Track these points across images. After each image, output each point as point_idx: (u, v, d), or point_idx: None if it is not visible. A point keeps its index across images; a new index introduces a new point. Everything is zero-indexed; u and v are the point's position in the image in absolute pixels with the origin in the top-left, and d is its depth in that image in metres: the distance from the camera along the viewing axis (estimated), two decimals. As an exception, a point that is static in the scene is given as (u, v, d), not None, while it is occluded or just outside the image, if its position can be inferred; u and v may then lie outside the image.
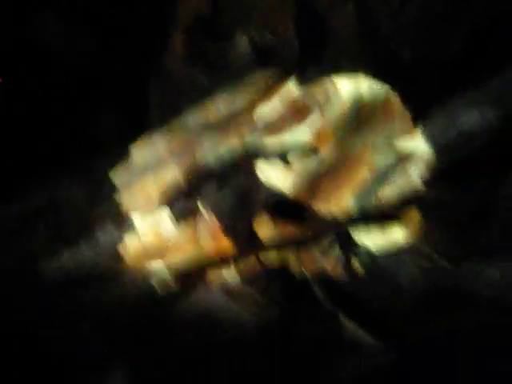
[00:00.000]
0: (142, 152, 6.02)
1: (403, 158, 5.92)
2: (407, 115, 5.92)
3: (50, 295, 6.21)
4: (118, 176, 6.18)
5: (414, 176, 6.08)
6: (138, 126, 6.13)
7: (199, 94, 5.91)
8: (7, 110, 5.80)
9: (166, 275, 6.30)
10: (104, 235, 6.13)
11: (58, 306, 6.29)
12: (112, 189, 6.09)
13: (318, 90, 5.85)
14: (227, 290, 6.30)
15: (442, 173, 6.17)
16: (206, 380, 6.34)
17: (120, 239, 6.22)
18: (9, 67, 6.18)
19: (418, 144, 5.87)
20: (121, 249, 6.35)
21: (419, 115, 6.03)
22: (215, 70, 6.03)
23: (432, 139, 5.94)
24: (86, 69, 6.23)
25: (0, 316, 5.91)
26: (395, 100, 5.91)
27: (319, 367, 6.38)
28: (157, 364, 6.17)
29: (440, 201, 5.83)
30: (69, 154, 6.09)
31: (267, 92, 5.94)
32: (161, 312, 6.27)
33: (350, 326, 5.99)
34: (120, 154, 6.23)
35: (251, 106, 6.05)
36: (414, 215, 6.09)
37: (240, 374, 6.25)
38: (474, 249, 5.91)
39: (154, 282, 6.20)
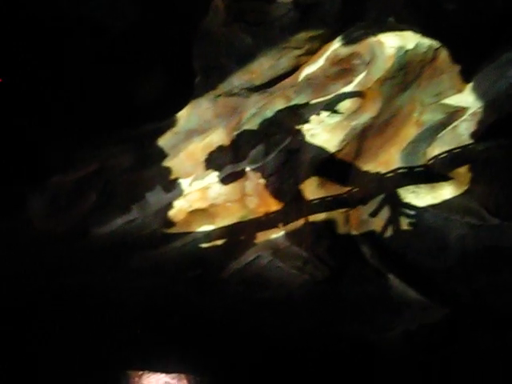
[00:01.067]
0: (188, 117, 6.56)
1: (452, 114, 6.31)
2: (455, 70, 6.28)
3: (100, 259, 6.90)
4: (165, 141, 6.75)
5: (463, 132, 6.47)
6: (185, 91, 6.65)
7: (243, 55, 6.35)
8: (58, 79, 6.40)
9: (215, 238, 6.92)
10: (153, 199, 6.75)
11: (108, 270, 6.96)
12: (160, 154, 6.68)
13: (363, 49, 6.24)
14: (275, 251, 6.89)
15: (491, 128, 6.54)
16: (254, 337, 6.99)
17: (169, 203, 6.84)
18: (56, 37, 6.76)
19: (466, 99, 6.24)
20: (170, 212, 6.99)
21: (468, 70, 6.37)
22: (258, 28, 6.46)
23: (481, 93, 6.29)
24: (131, 36, 6.77)
25: (52, 276, 6.61)
26: (443, 55, 6.25)
27: (368, 326, 6.96)
28: (207, 323, 6.79)
29: (489, 157, 6.23)
30: (117, 121, 6.69)
31: (312, 52, 6.37)
32: (209, 274, 6.91)
33: (398, 284, 6.53)
34: (167, 119, 6.78)
35: (296, 67, 6.49)
36: (463, 172, 6.50)
37: (287, 332, 6.88)
38: (524, 205, 6.23)
39: (202, 244, 6.83)
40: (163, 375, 8.33)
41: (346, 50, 6.80)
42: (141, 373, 8.24)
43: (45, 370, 7.52)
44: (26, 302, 7.54)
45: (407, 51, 6.62)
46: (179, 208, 7.51)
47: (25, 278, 7.42)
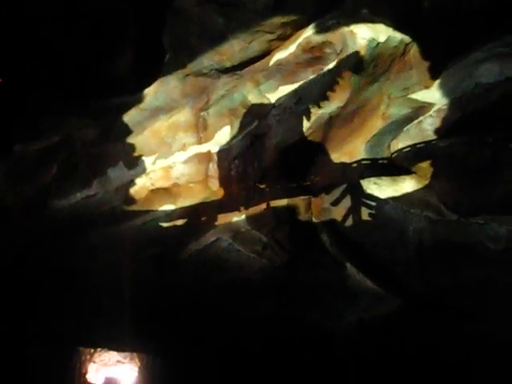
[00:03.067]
0: (156, 94, 6.69)
1: (418, 109, 6.59)
2: (424, 66, 6.55)
3: (59, 232, 6.98)
4: (131, 117, 6.88)
5: (428, 127, 6.75)
6: (153, 68, 6.77)
7: (214, 36, 6.49)
8: (25, 47, 6.42)
9: (176, 218, 7.07)
10: (115, 175, 6.87)
11: (66, 244, 7.04)
12: (125, 129, 6.80)
13: (336, 38, 6.46)
14: (235, 234, 7.10)
15: (455, 125, 6.82)
16: (210, 318, 7.14)
17: (131, 180, 6.96)
18: (29, 7, 6.72)
19: (433, 95, 6.53)
20: (132, 190, 7.11)
21: (436, 67, 6.62)
22: (230, 9, 6.60)
23: (448, 91, 6.57)
24: (103, 9, 6.84)
25: (10, 247, 6.67)
26: (413, 51, 6.51)
27: (324, 313, 7.21)
28: (163, 303, 6.92)
29: (452, 153, 6.53)
30: (83, 94, 6.78)
31: (284, 38, 6.55)
32: (168, 253, 7.06)
33: (355, 273, 6.79)
34: (134, 95, 6.88)
35: (267, 51, 6.66)
36: (425, 167, 6.79)
37: (243, 315, 7.06)
38: (482, 203, 6.61)
39: (162, 224, 6.98)
40: (115, 354, 8.49)
41: (319, 38, 6.98)
42: (92, 350, 8.37)
43: None
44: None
45: (379, 44, 6.84)
46: (141, 186, 7.64)
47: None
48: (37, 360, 7.78)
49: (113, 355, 8.32)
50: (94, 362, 8.29)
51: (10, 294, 7.62)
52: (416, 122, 7.45)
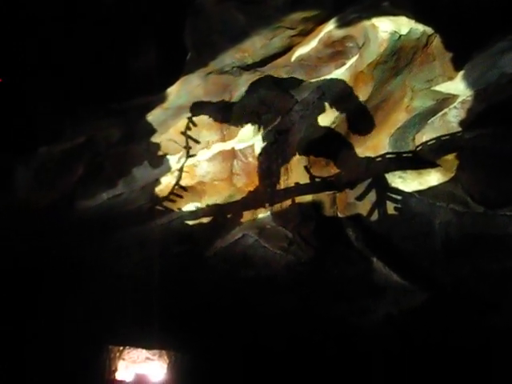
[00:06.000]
0: (179, 93, 6.95)
1: (442, 101, 6.76)
2: (447, 57, 6.70)
3: (85, 233, 7.27)
4: (155, 116, 7.15)
5: (452, 119, 6.89)
6: (176, 67, 7.01)
7: (236, 33, 6.72)
8: (48, 50, 6.69)
9: (201, 215, 7.33)
10: (140, 174, 7.16)
11: (92, 244, 7.33)
12: (149, 129, 7.08)
13: (357, 32, 6.66)
14: (261, 230, 7.33)
15: (480, 116, 6.93)
16: (237, 315, 7.35)
17: (156, 179, 7.24)
18: (48, 8, 6.99)
19: (457, 87, 6.67)
20: (157, 188, 7.37)
21: (459, 58, 6.75)
22: (251, 6, 6.80)
23: (472, 82, 6.70)
24: (124, 10, 7.08)
25: (37, 248, 6.96)
26: (436, 42, 6.67)
27: (350, 308, 7.40)
28: (190, 300, 7.16)
29: (477, 145, 6.67)
30: (107, 95, 7.06)
31: (306, 33, 6.75)
32: (195, 251, 7.31)
33: (381, 267, 6.97)
34: (157, 95, 7.13)
35: (289, 47, 6.87)
36: (450, 159, 6.94)
37: (270, 311, 7.27)
38: (509, 194, 6.73)
39: (188, 222, 7.24)
40: (144, 351, 8.77)
41: (340, 33, 7.13)
42: (122, 348, 8.66)
43: (28, 342, 7.80)
44: (10, 273, 7.85)
45: (401, 36, 6.96)
46: (166, 184, 7.88)
47: (8, 249, 7.76)
48: (67, 357, 7.96)
49: (142, 352, 8.57)
50: (124, 359, 8.54)
51: (38, 293, 7.88)
52: (440, 114, 7.54)
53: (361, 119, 7.68)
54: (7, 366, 7.80)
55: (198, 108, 7.72)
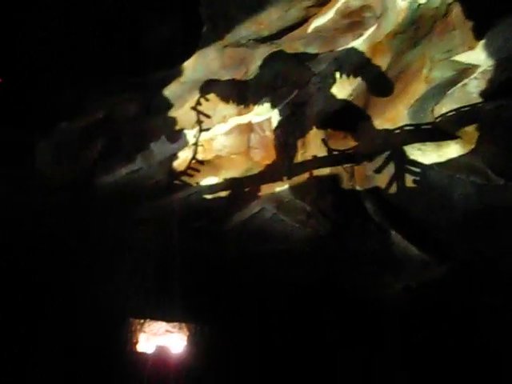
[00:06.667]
0: (195, 67, 6.95)
1: (462, 72, 6.66)
2: (468, 27, 6.58)
3: (105, 208, 7.35)
4: (171, 91, 7.15)
5: (473, 90, 6.79)
6: (192, 40, 6.99)
7: (251, 5, 6.67)
8: (65, 26, 6.72)
9: (219, 190, 7.36)
10: (158, 149, 7.21)
11: (112, 219, 7.41)
12: (166, 103, 7.10)
13: (375, 2, 6.57)
14: (279, 204, 7.36)
15: (501, 87, 6.81)
16: (255, 289, 7.40)
17: (174, 154, 7.28)
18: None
19: (478, 57, 6.57)
20: (175, 163, 7.41)
21: (480, 27, 6.63)
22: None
23: (493, 51, 6.59)
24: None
25: (58, 223, 7.07)
26: (456, 11, 6.56)
27: (369, 282, 7.41)
28: (209, 273, 7.25)
29: (498, 116, 6.58)
30: (123, 69, 7.09)
31: (322, 4, 6.67)
32: (213, 225, 7.37)
33: (400, 240, 6.96)
34: (173, 69, 7.13)
35: (305, 18, 6.80)
36: (470, 131, 6.86)
37: (289, 285, 7.33)
38: (529, 165, 6.57)
39: (206, 196, 7.28)
40: (164, 324, 8.94)
41: (357, 3, 7.06)
42: (142, 321, 8.84)
43: (48, 316, 8.02)
44: (31, 247, 8.04)
45: (420, 5, 6.87)
46: (184, 159, 7.94)
47: (30, 225, 7.92)
48: (89, 331, 8.15)
49: (162, 325, 8.74)
50: (144, 331, 8.71)
51: (59, 268, 8.04)
52: (460, 85, 7.45)
53: (379, 90, 7.60)
54: (29, 339, 7.92)
55: (213, 84, 7.69)
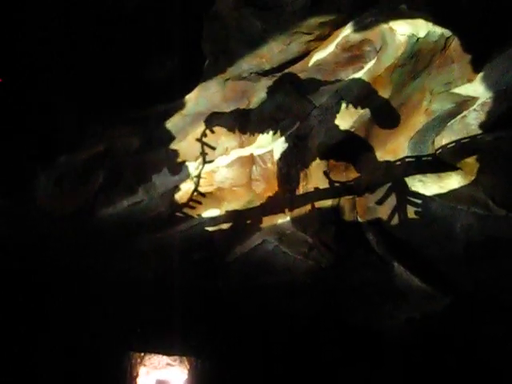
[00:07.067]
0: (197, 100, 7.00)
1: (461, 104, 6.74)
2: (466, 60, 6.68)
3: (106, 240, 7.33)
4: (174, 123, 7.19)
5: (472, 122, 6.86)
6: (194, 74, 7.08)
7: (253, 39, 6.75)
8: (69, 58, 6.80)
9: (221, 222, 7.35)
10: (160, 181, 7.22)
11: (113, 251, 7.39)
12: (168, 136, 7.14)
13: (374, 36, 6.66)
14: (281, 236, 7.34)
15: (500, 118, 6.88)
16: (256, 322, 7.38)
17: (176, 186, 7.29)
18: (68, 15, 7.12)
19: (476, 89, 6.65)
20: (176, 195, 7.41)
21: (478, 59, 6.73)
22: (268, 12, 6.84)
23: (491, 83, 6.67)
24: (142, 17, 7.17)
25: (58, 255, 7.04)
26: (454, 44, 6.65)
27: (372, 313, 7.38)
28: (210, 306, 7.22)
29: (498, 147, 6.63)
30: (126, 102, 7.14)
31: (323, 38, 6.77)
32: (215, 257, 7.34)
33: (402, 272, 6.95)
34: (176, 102, 7.19)
35: (306, 52, 6.89)
36: (471, 162, 6.89)
37: (291, 317, 7.28)
38: (530, 196, 6.60)
39: (208, 228, 7.27)
40: (165, 357, 8.85)
41: (357, 37, 7.14)
42: (143, 354, 8.74)
43: (49, 349, 7.86)
44: (30, 279, 7.95)
45: (419, 39, 6.96)
46: (186, 191, 7.94)
47: (30, 257, 7.85)
48: (89, 364, 8.04)
49: (162, 358, 8.65)
50: (145, 365, 8.62)
51: (60, 300, 7.96)
52: (460, 116, 7.51)
53: (380, 122, 7.65)
54: (27, 372, 7.78)
55: (215, 116, 7.74)
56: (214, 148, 7.90)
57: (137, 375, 8.83)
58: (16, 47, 7.90)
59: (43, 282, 8.00)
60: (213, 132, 7.81)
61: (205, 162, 7.73)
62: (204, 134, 7.79)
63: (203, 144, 7.84)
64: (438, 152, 7.73)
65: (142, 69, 8.07)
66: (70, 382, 8.06)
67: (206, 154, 7.87)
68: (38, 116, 8.04)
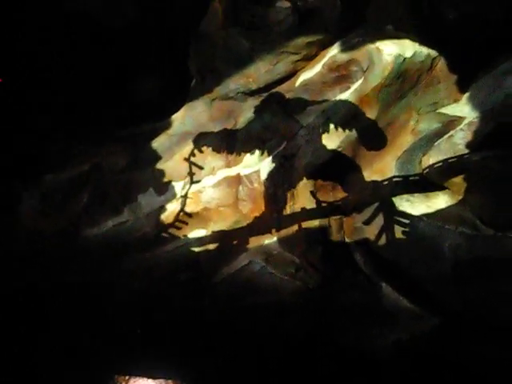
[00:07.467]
0: (183, 119, 6.93)
1: (448, 124, 6.72)
2: (452, 80, 6.67)
3: (91, 260, 7.21)
4: (160, 143, 7.11)
5: (459, 141, 6.84)
6: (181, 93, 7.02)
7: (240, 59, 6.73)
8: (54, 77, 6.74)
9: (207, 242, 7.24)
10: (146, 201, 7.11)
11: (98, 272, 7.27)
12: (154, 156, 7.04)
13: (361, 56, 6.65)
14: (267, 256, 7.23)
15: (487, 138, 6.87)
16: (243, 343, 7.28)
17: (162, 206, 7.18)
18: (55, 35, 7.09)
19: (463, 109, 6.64)
20: (162, 215, 7.31)
21: (464, 80, 6.74)
22: (255, 32, 6.84)
23: (478, 103, 6.67)
24: (128, 36, 7.14)
25: (41, 276, 6.89)
26: (440, 65, 6.66)
27: (360, 334, 7.29)
28: (196, 328, 7.09)
29: (485, 167, 6.59)
30: (111, 121, 7.06)
31: (310, 58, 6.75)
32: (201, 278, 7.22)
33: (390, 292, 6.85)
34: (162, 121, 7.12)
35: (293, 72, 6.86)
36: (458, 182, 6.86)
37: (278, 338, 7.19)
38: (518, 216, 6.57)
39: (194, 248, 7.15)
40: (150, 381, 8.60)
41: (344, 57, 7.14)
42: (128, 378, 8.50)
43: (33, 369, 7.64)
44: (13, 301, 7.78)
45: (405, 59, 6.97)
46: (172, 211, 7.83)
47: (13, 277, 7.68)
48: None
49: (148, 382, 8.39)
50: (130, 390, 8.37)
51: (41, 320, 7.79)
52: (446, 136, 7.51)
53: (368, 142, 7.63)
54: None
55: (202, 136, 7.68)
56: (201, 168, 7.80)
57: (121, 401, 8.59)
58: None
59: (24, 303, 7.76)
60: (201, 152, 7.72)
61: (192, 182, 7.61)
62: (192, 154, 7.68)
63: (191, 164, 7.73)
64: (425, 172, 7.71)
65: (128, 87, 7.98)
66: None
67: (194, 173, 7.75)
68: (23, 135, 7.90)
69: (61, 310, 7.93)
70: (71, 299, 7.93)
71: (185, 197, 7.68)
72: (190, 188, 7.67)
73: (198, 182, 7.65)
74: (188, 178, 7.72)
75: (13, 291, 7.82)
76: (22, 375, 7.77)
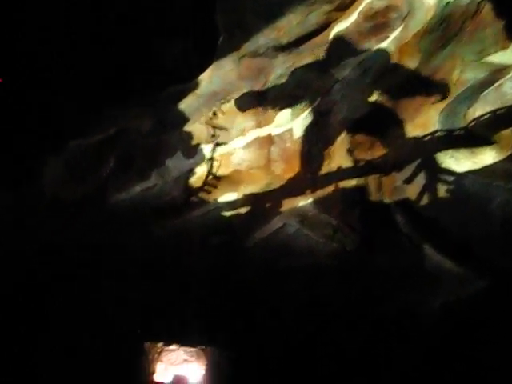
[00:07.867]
0: (211, 79, 6.46)
1: (495, 72, 6.12)
2: (500, 25, 6.07)
3: (119, 227, 6.84)
4: (187, 104, 6.66)
5: (508, 91, 6.24)
6: (207, 52, 6.55)
7: (269, 11, 6.22)
8: (79, 40, 6.32)
9: (239, 206, 6.80)
10: (174, 165, 6.68)
11: (126, 239, 6.89)
12: (182, 117, 6.59)
13: (400, 1, 6.06)
14: (302, 218, 6.77)
15: (539, 87, 6.21)
16: (278, 309, 6.81)
17: (190, 169, 6.74)
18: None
19: (511, 56, 6.01)
20: (191, 179, 6.88)
21: (513, 25, 6.10)
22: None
23: (528, 50, 6.02)
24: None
25: (71, 244, 6.56)
26: (487, 9, 6.06)
27: (401, 300, 6.74)
28: (230, 293, 6.67)
29: (537, 118, 5.99)
30: (138, 85, 6.64)
31: (344, 7, 6.20)
32: (234, 242, 6.82)
33: (433, 254, 6.32)
34: (189, 82, 6.66)
35: (326, 24, 6.32)
36: (507, 135, 6.29)
37: (313, 303, 6.68)
38: None
39: (226, 212, 6.72)
40: (182, 352, 8.48)
41: (382, 3, 6.65)
42: (160, 349, 8.30)
43: (64, 338, 7.88)
44: (41, 267, 7.57)
45: (449, 3, 6.48)
46: (201, 175, 7.47)
47: (40, 244, 7.45)
48: (106, 359, 7.66)
49: (180, 354, 8.30)
50: (162, 361, 8.28)
51: (73, 289, 7.58)
52: (494, 86, 6.96)
53: (408, 94, 7.11)
54: (39, 364, 7.73)
55: (231, 96, 7.25)
56: (228, 129, 7.38)
57: (154, 371, 8.50)
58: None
59: (53, 271, 7.56)
60: (228, 113, 7.30)
61: (219, 144, 7.20)
62: (218, 116, 7.26)
63: (215, 126, 7.31)
64: (470, 125, 7.18)
65: (153, 48, 7.58)
66: (85, 378, 7.56)
67: (218, 135, 7.33)
68: (48, 100, 7.60)
69: (88, 279, 7.70)
70: (99, 266, 7.68)
71: (211, 159, 7.27)
72: (215, 150, 7.26)
73: (226, 143, 7.22)
74: (217, 140, 7.29)
75: (40, 259, 7.57)
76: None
